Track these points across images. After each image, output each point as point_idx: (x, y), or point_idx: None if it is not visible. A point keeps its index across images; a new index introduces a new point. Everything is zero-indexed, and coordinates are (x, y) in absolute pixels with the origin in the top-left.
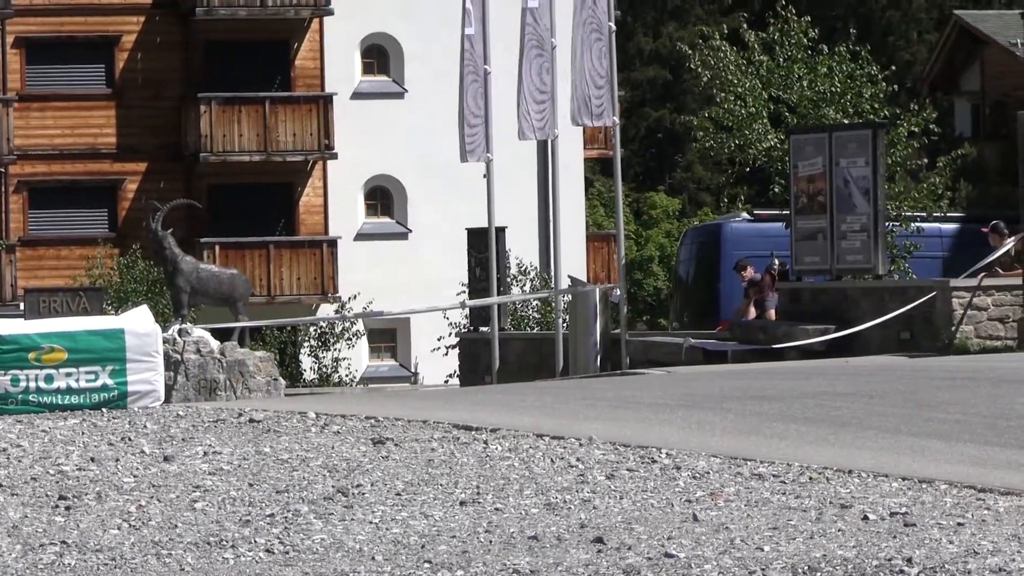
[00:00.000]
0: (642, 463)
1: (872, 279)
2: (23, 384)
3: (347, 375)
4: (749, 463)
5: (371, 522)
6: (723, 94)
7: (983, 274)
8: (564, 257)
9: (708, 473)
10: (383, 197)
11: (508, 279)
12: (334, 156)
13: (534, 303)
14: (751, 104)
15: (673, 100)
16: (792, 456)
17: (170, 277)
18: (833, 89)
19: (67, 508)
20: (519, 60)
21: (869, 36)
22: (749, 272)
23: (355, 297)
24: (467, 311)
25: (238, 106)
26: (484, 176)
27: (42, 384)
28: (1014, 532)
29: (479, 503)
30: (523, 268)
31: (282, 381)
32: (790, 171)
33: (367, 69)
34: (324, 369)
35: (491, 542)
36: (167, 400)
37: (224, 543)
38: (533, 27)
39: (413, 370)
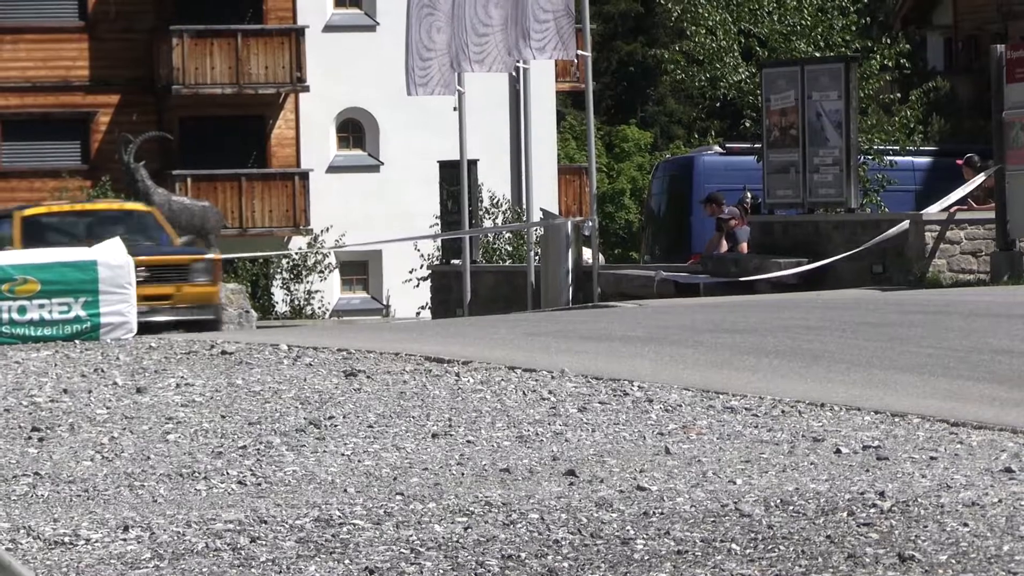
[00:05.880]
0: (614, 396)
1: (844, 212)
2: None
3: (319, 307)
4: (721, 396)
5: (343, 454)
6: (694, 27)
7: (956, 207)
8: (536, 190)
9: (680, 406)
10: (355, 130)
11: (480, 212)
12: (306, 89)
13: (506, 236)
14: (722, 38)
15: (645, 33)
16: (764, 389)
17: None
18: (803, 22)
19: (40, 439)
20: None
21: None
22: (722, 209)
23: (327, 230)
24: (439, 243)
25: (210, 39)
26: (454, 109)
27: (15, 316)
28: (987, 466)
29: (451, 435)
30: (495, 201)
31: (254, 313)
32: (762, 104)
33: (339, 2)
34: (296, 301)
35: (463, 474)
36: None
37: (196, 474)
38: None
39: (385, 303)
